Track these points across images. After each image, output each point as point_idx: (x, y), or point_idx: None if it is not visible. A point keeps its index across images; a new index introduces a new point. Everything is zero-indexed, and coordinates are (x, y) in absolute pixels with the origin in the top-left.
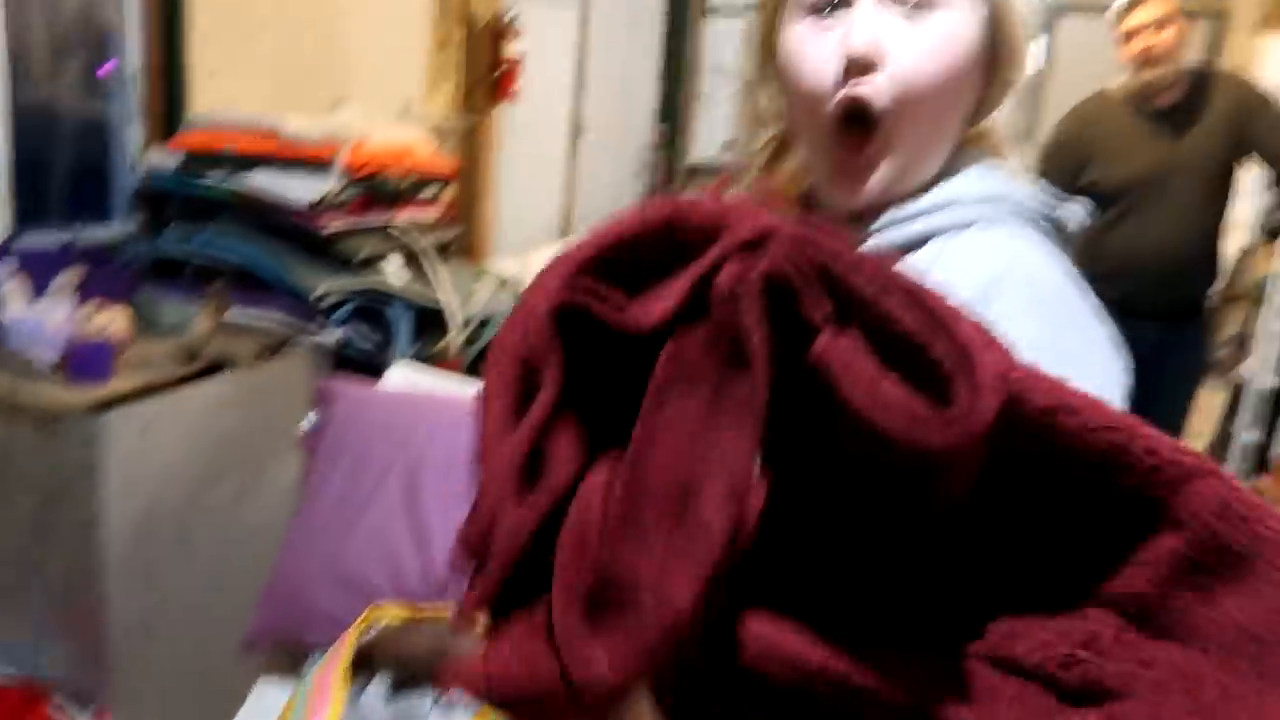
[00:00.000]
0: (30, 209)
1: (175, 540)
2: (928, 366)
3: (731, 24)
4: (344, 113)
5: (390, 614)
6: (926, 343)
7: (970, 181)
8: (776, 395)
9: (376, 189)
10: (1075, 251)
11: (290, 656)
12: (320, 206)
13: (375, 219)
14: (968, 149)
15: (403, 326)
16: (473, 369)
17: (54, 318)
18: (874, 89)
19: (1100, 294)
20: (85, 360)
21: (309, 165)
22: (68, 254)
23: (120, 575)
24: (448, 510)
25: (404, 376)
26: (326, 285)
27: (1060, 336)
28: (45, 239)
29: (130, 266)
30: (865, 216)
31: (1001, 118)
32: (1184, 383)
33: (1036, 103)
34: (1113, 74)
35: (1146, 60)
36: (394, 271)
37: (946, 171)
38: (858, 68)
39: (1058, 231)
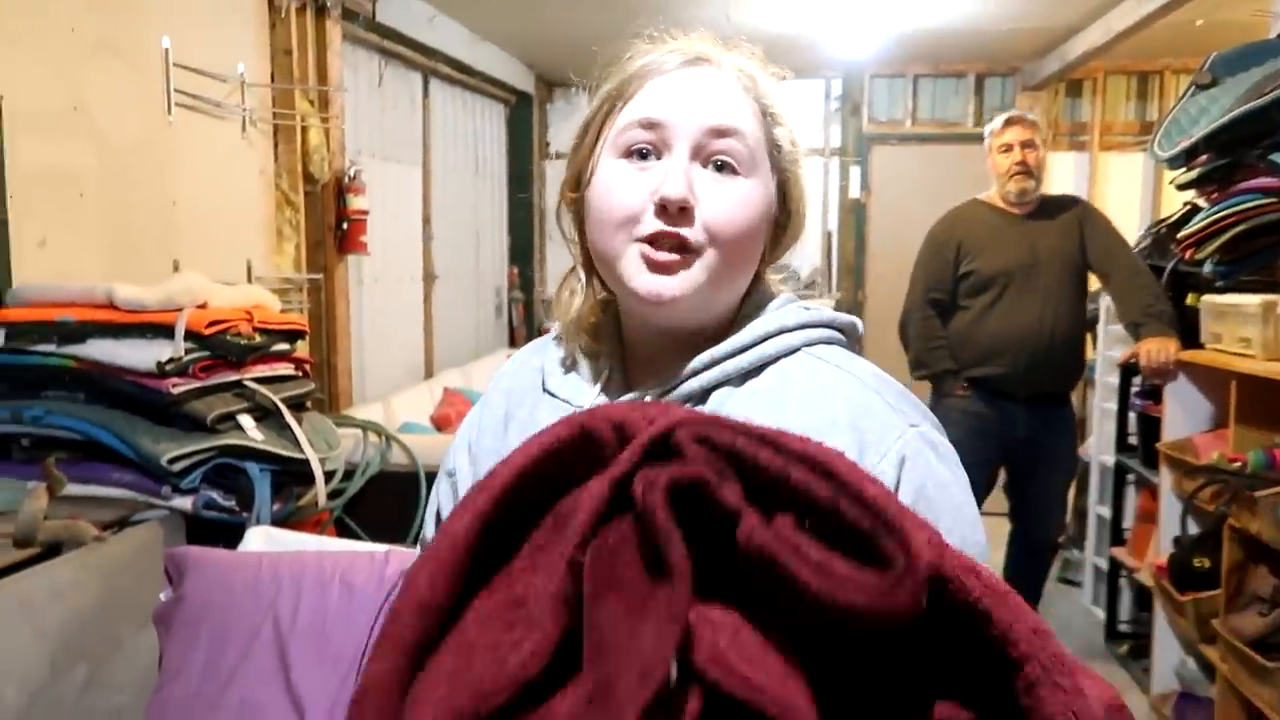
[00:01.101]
0: None
1: None
2: (854, 534)
3: None
4: (183, 276)
5: None
6: (850, 515)
7: (787, 314)
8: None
9: (224, 348)
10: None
11: None
12: (166, 369)
13: (225, 378)
14: (763, 288)
15: (263, 485)
16: (341, 522)
17: None
18: (690, 230)
19: (975, 375)
20: None
21: (148, 330)
22: None
23: None
24: (323, 675)
25: (264, 538)
26: (177, 449)
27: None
28: None
29: None
30: (678, 358)
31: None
32: (1062, 463)
33: (863, 218)
34: (918, 191)
35: (1022, 170)
36: (250, 429)
37: (751, 308)
38: (672, 210)
39: (851, 339)
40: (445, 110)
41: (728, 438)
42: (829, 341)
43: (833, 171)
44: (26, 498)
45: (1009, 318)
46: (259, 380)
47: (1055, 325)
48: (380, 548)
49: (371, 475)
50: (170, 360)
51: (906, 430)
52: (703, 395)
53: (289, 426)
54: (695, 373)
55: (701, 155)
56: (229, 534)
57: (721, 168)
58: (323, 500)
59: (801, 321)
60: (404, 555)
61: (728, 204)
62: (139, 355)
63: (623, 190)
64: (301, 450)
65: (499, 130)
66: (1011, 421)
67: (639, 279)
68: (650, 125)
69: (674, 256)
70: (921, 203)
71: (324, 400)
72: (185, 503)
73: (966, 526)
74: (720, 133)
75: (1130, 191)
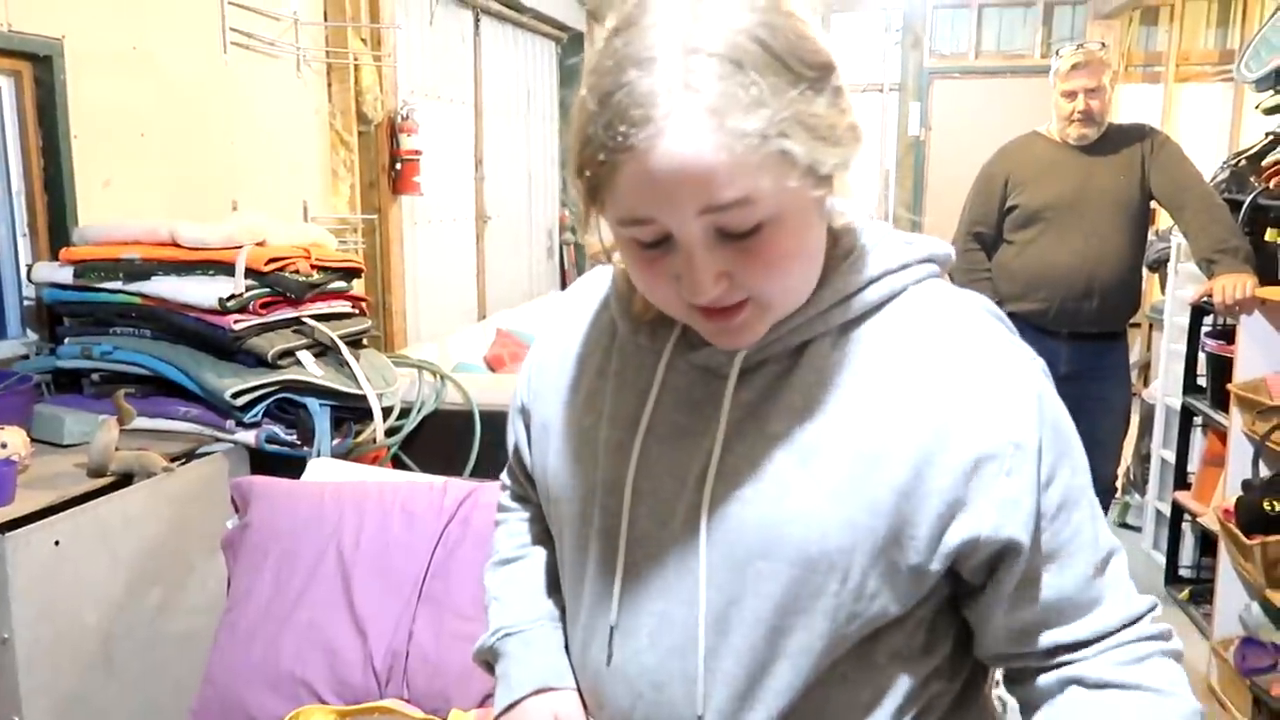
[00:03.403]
0: None
1: (97, 658)
2: None
3: None
4: (243, 214)
5: (317, 716)
6: None
7: (889, 254)
8: None
9: (283, 285)
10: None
11: None
12: (227, 305)
13: (284, 315)
14: (838, 228)
15: (322, 419)
16: (397, 459)
17: None
18: (741, 321)
19: (1014, 310)
20: None
21: (210, 268)
22: None
23: (38, 699)
24: (384, 599)
25: (325, 469)
26: (240, 383)
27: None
28: None
29: (24, 383)
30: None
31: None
32: (1112, 408)
33: (922, 156)
34: (981, 127)
35: (1086, 117)
36: (310, 365)
37: (836, 254)
38: (714, 309)
39: (944, 270)
40: (496, 49)
41: None
42: (929, 275)
43: (891, 108)
44: (98, 429)
45: (1050, 254)
46: (317, 317)
47: (1098, 264)
48: (438, 479)
49: (427, 413)
50: (232, 296)
51: (1032, 361)
52: (798, 350)
53: (347, 363)
54: (786, 332)
55: (714, 230)
56: (291, 467)
57: (740, 234)
58: (380, 436)
59: (905, 261)
60: (461, 486)
61: (764, 264)
62: (202, 292)
63: (649, 280)
64: (359, 387)
65: (550, 69)
66: (1053, 358)
67: (701, 329)
68: (642, 222)
69: (732, 312)
70: (984, 140)
71: (380, 339)
72: (249, 436)
73: (1081, 453)
74: (721, 208)
75: (1207, 126)
